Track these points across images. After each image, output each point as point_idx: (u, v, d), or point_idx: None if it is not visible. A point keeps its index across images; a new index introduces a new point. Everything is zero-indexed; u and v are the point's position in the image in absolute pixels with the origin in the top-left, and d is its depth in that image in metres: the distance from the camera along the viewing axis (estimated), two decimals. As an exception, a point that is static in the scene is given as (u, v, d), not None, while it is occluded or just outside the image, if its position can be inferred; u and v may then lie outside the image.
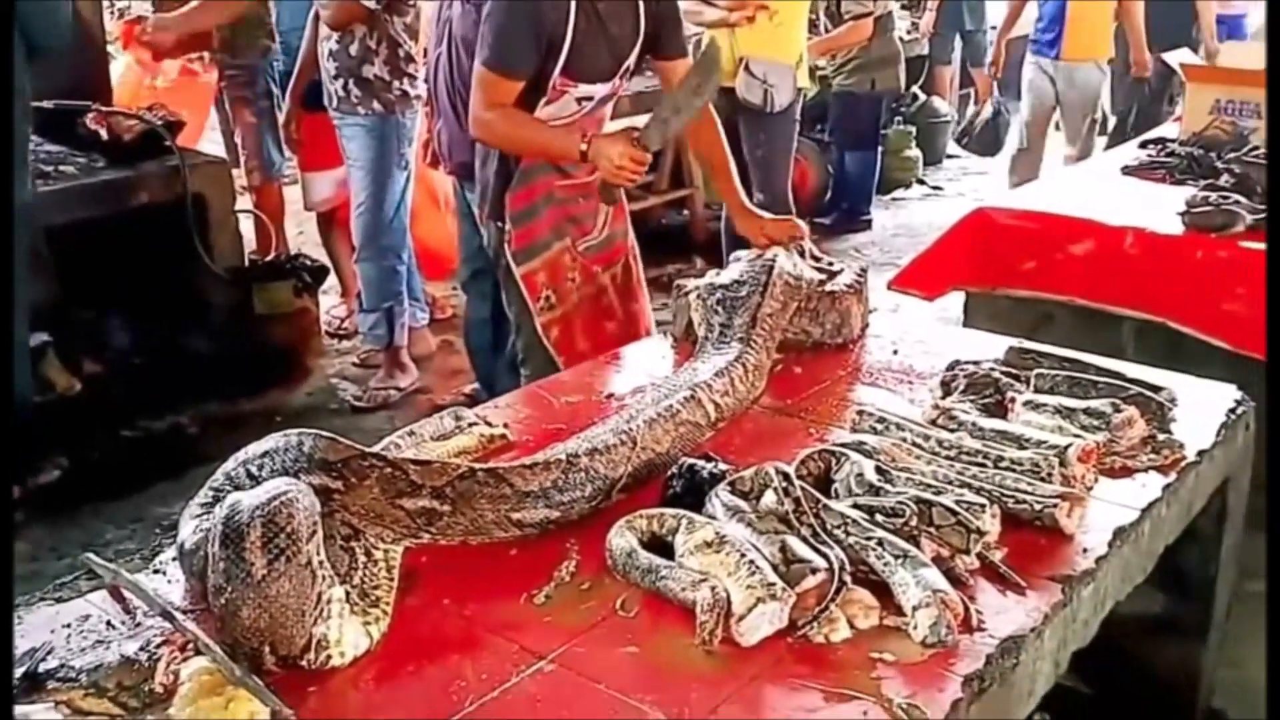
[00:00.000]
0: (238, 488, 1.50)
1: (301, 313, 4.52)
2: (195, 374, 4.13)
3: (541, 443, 1.91)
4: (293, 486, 1.40)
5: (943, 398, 2.04)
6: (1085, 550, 1.63)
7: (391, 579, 1.51)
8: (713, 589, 1.42)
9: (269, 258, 4.82)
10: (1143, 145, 4.19)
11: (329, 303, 5.13)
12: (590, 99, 2.79)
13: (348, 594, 1.43)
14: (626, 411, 1.93)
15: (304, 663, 1.35)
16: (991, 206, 3.62)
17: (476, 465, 1.65)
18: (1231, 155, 3.66)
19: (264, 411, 4.18)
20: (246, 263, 4.53)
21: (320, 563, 1.37)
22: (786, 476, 1.61)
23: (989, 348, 2.26)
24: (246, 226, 4.89)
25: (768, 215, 2.83)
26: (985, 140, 7.08)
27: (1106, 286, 3.27)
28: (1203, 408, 2.07)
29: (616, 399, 2.15)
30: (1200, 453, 1.93)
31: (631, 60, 2.80)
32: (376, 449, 1.67)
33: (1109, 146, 6.13)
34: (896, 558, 1.48)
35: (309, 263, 4.62)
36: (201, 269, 4.16)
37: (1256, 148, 3.72)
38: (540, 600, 1.51)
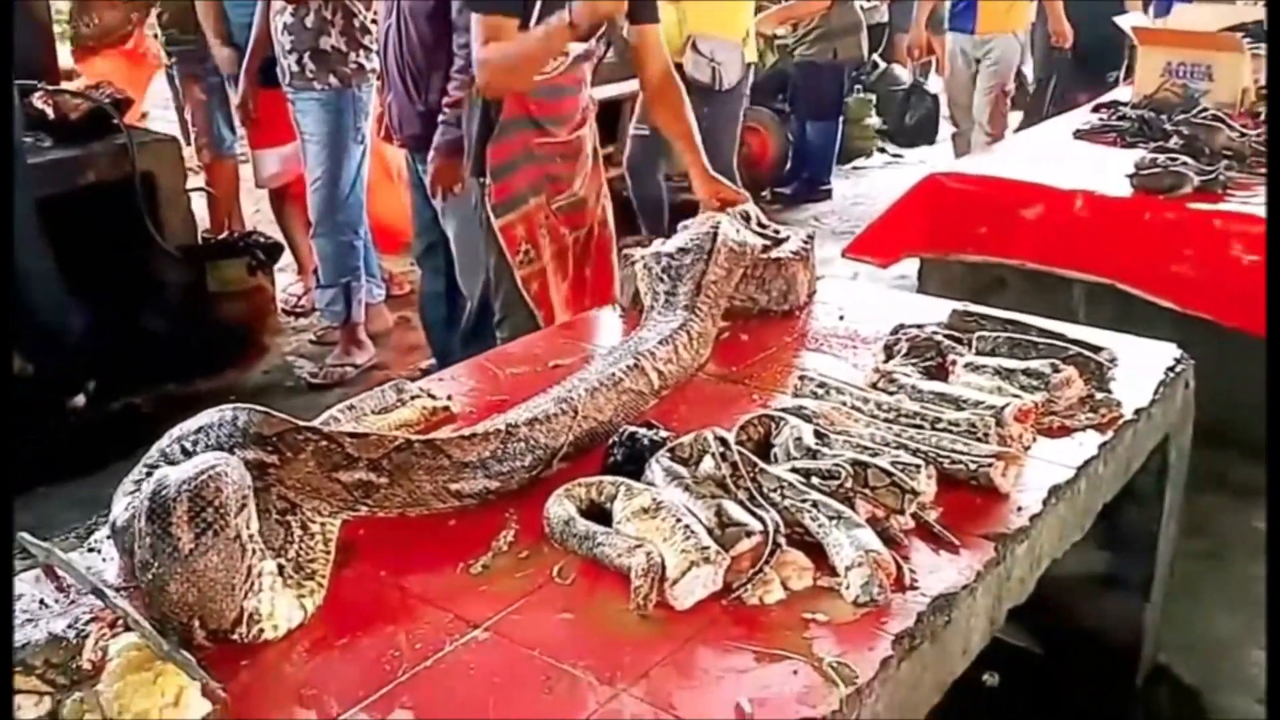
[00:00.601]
0: (172, 464, 1.49)
1: (256, 290, 4.47)
2: (149, 353, 4.07)
3: (485, 414, 1.90)
4: (221, 460, 1.38)
5: (885, 361, 2.05)
6: (1020, 509, 1.64)
7: (328, 552, 1.51)
8: (647, 554, 1.42)
9: (222, 236, 4.78)
10: (1095, 109, 4.22)
11: (285, 280, 5.09)
12: (565, 54, 2.78)
13: (282, 567, 1.42)
14: (569, 380, 1.92)
15: (235, 636, 1.35)
16: (944, 173, 3.64)
17: (413, 437, 1.64)
18: (1181, 117, 3.68)
19: (219, 390, 4.13)
20: (199, 241, 4.48)
21: (250, 536, 1.37)
22: (724, 441, 1.61)
23: (935, 312, 2.27)
24: (200, 205, 4.83)
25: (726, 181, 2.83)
26: (916, 132, 7.09)
27: (1057, 250, 3.30)
28: (1142, 367, 2.09)
29: (562, 370, 2.14)
30: (1138, 411, 1.95)
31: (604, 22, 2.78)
32: (314, 423, 1.66)
33: (1024, 119, 6.15)
34: (831, 519, 1.49)
35: (263, 240, 4.56)
36: (153, 248, 4.09)
37: (1206, 109, 3.75)
38: (477, 570, 1.51)
